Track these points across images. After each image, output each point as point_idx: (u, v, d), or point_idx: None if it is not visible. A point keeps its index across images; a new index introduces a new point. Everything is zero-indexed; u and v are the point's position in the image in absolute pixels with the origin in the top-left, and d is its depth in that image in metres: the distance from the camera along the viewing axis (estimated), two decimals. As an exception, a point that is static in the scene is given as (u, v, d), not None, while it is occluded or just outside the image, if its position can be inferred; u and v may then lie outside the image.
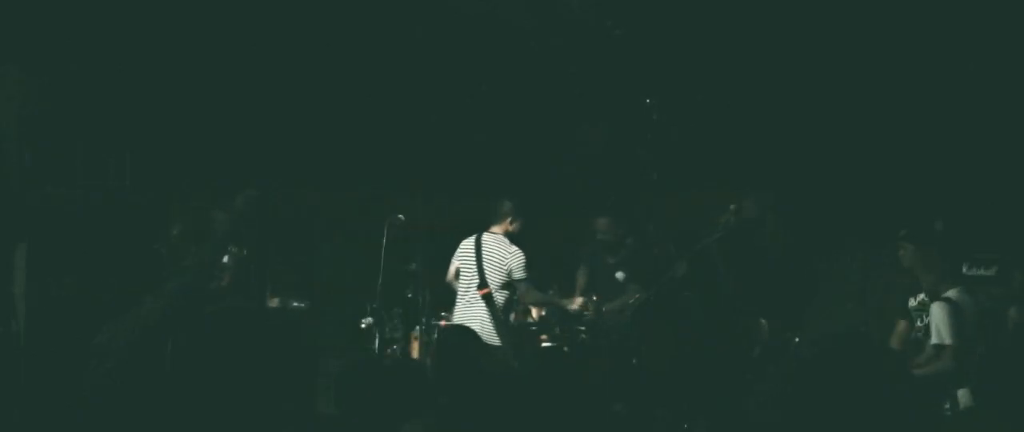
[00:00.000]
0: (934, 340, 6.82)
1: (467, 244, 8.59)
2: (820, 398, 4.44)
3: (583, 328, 8.78)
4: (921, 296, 7.30)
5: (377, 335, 8.18)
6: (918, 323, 7.13)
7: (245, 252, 9.16)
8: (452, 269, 8.68)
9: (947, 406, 6.77)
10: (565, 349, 8.52)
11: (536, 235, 9.73)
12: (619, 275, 9.12)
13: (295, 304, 9.17)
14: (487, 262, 8.41)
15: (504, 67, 9.86)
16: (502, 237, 8.47)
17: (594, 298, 9.03)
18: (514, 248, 8.40)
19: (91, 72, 9.68)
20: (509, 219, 8.50)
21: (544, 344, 8.65)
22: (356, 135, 10.12)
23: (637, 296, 8.62)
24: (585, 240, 9.51)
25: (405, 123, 10.07)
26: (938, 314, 6.84)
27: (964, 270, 8.22)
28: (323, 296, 9.61)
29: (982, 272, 8.24)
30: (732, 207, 8.44)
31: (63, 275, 9.64)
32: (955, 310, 6.82)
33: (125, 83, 9.72)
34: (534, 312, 9.08)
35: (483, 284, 8.37)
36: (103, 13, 9.53)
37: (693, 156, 9.73)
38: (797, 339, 8.25)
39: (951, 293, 6.93)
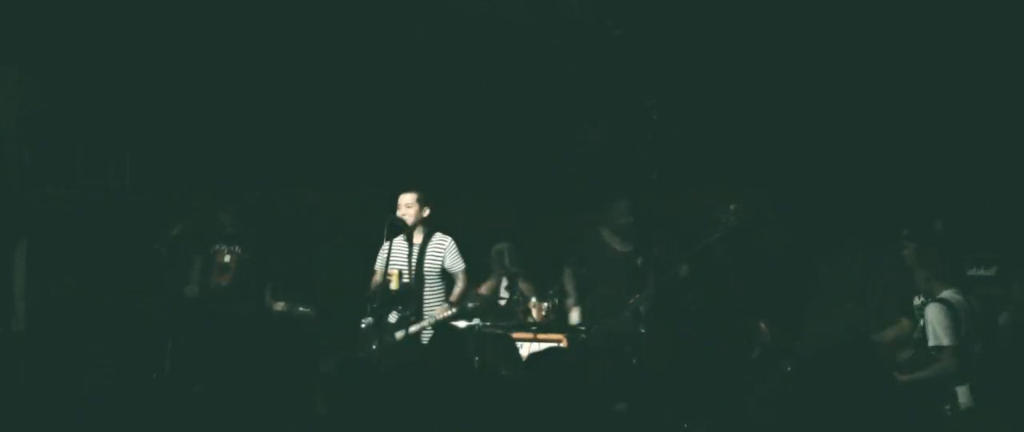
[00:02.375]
0: (932, 342, 6.82)
1: None
2: (819, 399, 4.45)
3: (583, 328, 8.77)
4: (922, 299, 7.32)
5: (376, 335, 8.15)
6: (920, 322, 7.12)
7: (248, 254, 9.17)
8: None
9: (948, 407, 6.77)
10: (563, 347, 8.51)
11: (536, 235, 9.74)
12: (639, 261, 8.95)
13: (301, 309, 9.18)
14: None
15: (504, 67, 9.86)
16: None
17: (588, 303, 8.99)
18: None
19: (91, 72, 9.69)
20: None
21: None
22: (356, 135, 10.12)
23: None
24: (587, 241, 9.49)
25: (405, 123, 10.07)
26: (934, 315, 6.84)
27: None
28: (323, 296, 9.61)
29: (982, 272, 8.24)
30: (732, 207, 8.43)
31: (63, 275, 9.66)
32: (950, 311, 6.83)
33: (125, 83, 9.73)
34: (534, 312, 9.06)
35: None
36: (102, 13, 9.53)
37: (693, 156, 9.72)
38: (797, 341, 8.26)
39: (946, 294, 6.94)
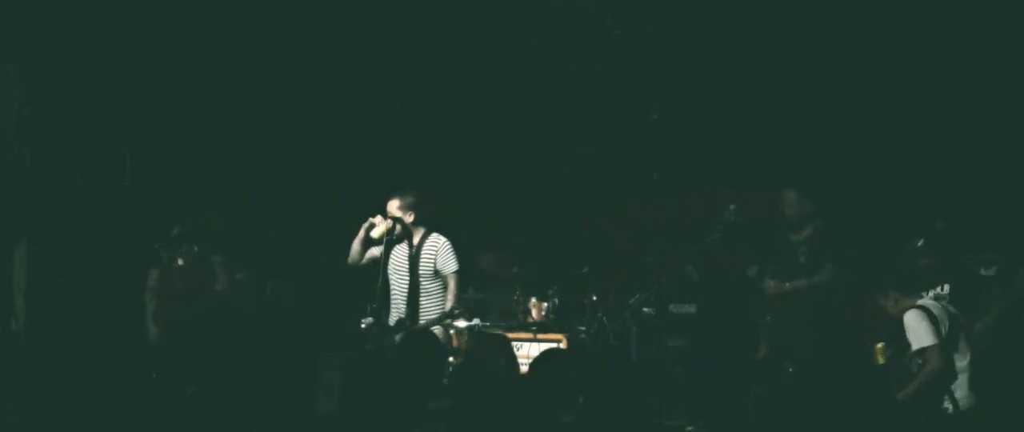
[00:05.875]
0: (915, 346, 6.84)
1: None
2: (817, 402, 4.45)
3: (583, 328, 8.77)
4: (935, 290, 7.35)
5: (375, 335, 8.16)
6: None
7: (214, 255, 9.10)
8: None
9: (946, 405, 6.79)
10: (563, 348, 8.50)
11: (536, 235, 9.74)
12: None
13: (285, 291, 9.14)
14: None
15: (503, 67, 9.86)
16: None
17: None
18: None
19: (91, 72, 9.69)
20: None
21: None
22: (356, 135, 10.12)
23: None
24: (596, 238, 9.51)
25: (405, 123, 10.07)
26: (911, 321, 6.88)
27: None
28: (323, 296, 9.62)
29: (982, 272, 8.24)
30: (732, 207, 8.44)
31: (63, 275, 9.65)
32: (926, 313, 6.87)
33: (124, 83, 9.73)
34: (534, 312, 9.06)
35: None
36: (103, 13, 9.53)
37: (693, 156, 9.72)
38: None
39: (921, 301, 7.00)
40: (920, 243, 8.03)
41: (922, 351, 6.81)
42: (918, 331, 6.82)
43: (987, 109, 9.03)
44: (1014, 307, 7.82)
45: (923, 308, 6.92)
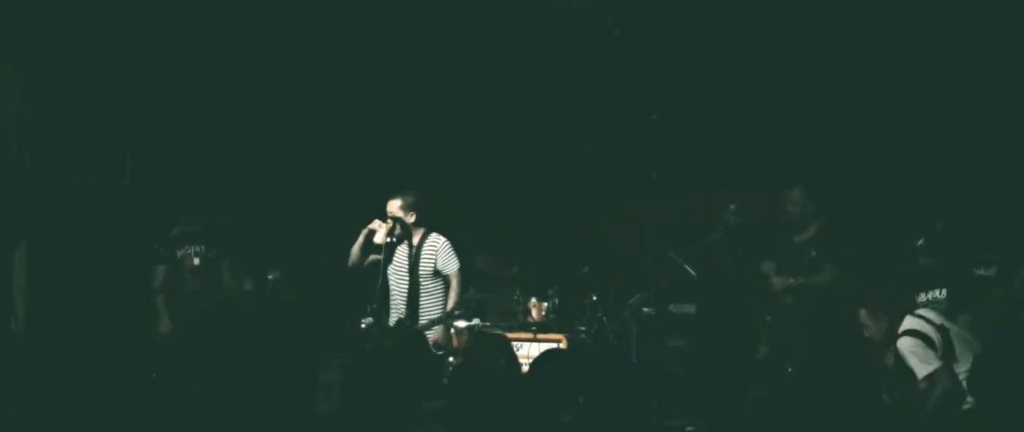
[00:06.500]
0: (921, 374, 6.80)
1: None
2: (817, 401, 4.46)
3: (583, 328, 8.78)
4: (933, 292, 7.34)
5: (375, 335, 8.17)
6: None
7: (213, 252, 9.12)
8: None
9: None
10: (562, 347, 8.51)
11: (536, 235, 9.75)
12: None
13: (270, 277, 9.14)
14: None
15: (503, 67, 9.87)
16: None
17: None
18: None
19: (91, 72, 9.69)
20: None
21: None
22: (356, 135, 10.12)
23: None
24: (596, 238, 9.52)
25: (405, 123, 10.08)
26: (908, 349, 6.83)
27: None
28: (323, 296, 9.62)
29: (982, 272, 8.24)
30: (732, 207, 8.46)
31: (63, 275, 9.66)
32: (919, 336, 6.84)
33: (124, 83, 9.73)
34: (534, 312, 9.07)
35: None
36: (102, 13, 9.53)
37: (693, 156, 9.73)
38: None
39: (907, 323, 6.94)
40: (920, 242, 8.03)
41: (929, 376, 6.78)
42: (916, 359, 6.78)
43: (987, 109, 9.03)
44: (1014, 307, 7.82)
45: (915, 333, 6.85)
